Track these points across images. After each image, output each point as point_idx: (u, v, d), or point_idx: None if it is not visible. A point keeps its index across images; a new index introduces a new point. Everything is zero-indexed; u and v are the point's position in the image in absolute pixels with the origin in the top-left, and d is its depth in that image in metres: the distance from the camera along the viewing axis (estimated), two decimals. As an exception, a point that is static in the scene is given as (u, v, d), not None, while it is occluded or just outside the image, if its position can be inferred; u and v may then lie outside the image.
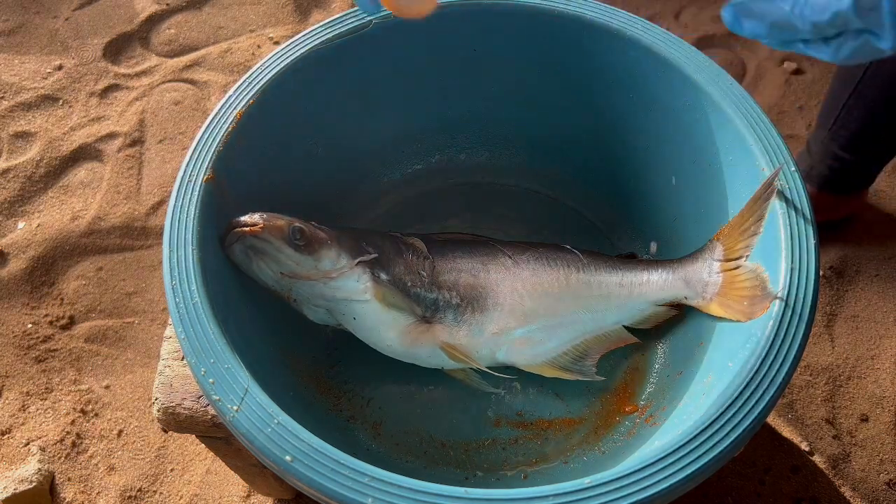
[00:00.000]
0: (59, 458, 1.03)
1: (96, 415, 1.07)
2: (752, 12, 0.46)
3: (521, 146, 0.89)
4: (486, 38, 0.78)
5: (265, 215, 0.65)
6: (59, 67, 1.51)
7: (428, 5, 0.54)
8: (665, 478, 0.47)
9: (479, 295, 0.73)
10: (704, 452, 0.49)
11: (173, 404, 0.69)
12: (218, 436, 0.72)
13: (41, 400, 1.08)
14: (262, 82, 0.70)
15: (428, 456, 0.70)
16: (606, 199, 0.87)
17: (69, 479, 1.01)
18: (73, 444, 1.04)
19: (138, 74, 1.51)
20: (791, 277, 0.57)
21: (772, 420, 1.04)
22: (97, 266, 1.22)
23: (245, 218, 0.65)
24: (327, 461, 0.48)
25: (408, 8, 0.54)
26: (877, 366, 1.09)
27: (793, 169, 0.63)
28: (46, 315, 1.16)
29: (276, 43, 1.57)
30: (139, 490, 1.00)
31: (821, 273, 0.78)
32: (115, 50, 1.56)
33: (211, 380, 0.52)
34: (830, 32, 0.43)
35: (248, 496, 0.99)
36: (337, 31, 0.73)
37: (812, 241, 0.59)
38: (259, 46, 1.57)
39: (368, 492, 0.46)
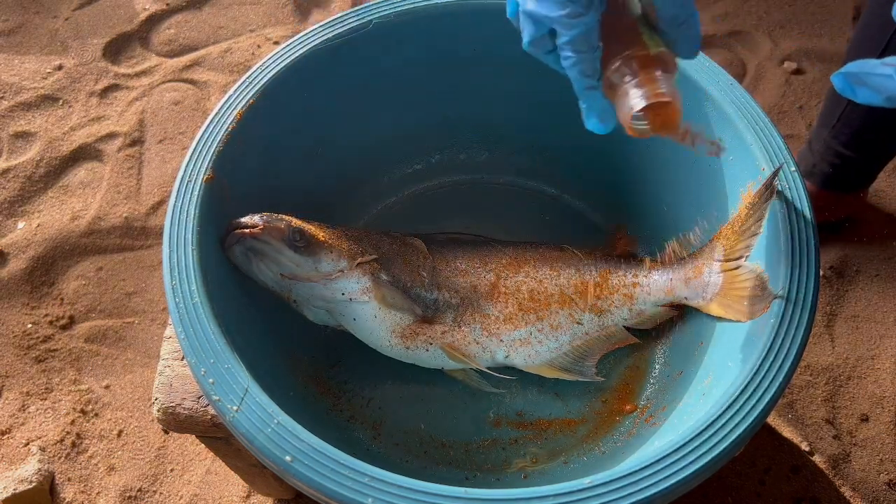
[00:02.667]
0: (59, 458, 1.03)
1: (96, 415, 1.07)
2: (868, 84, 0.45)
3: (522, 146, 0.89)
4: (486, 37, 0.78)
5: (265, 216, 0.65)
6: (59, 67, 1.51)
7: (676, 120, 0.48)
8: (665, 478, 0.47)
9: (479, 295, 0.73)
10: (704, 452, 0.49)
11: (173, 404, 0.69)
12: (218, 436, 0.72)
13: (41, 400, 1.08)
14: (262, 82, 0.70)
15: (428, 456, 0.70)
16: (606, 199, 0.87)
17: (69, 479, 1.01)
18: (73, 444, 1.04)
19: (138, 74, 1.51)
20: (791, 277, 0.57)
21: (772, 420, 1.04)
22: (97, 266, 1.22)
23: (245, 219, 0.65)
24: (327, 461, 0.48)
25: (662, 129, 0.48)
26: (877, 366, 1.09)
27: (793, 169, 0.63)
28: (46, 315, 1.16)
29: (276, 43, 1.57)
30: (139, 490, 1.00)
31: (821, 273, 0.78)
32: (115, 50, 1.56)
33: (211, 380, 0.52)
34: None
35: (248, 496, 0.99)
36: (337, 31, 0.73)
37: (812, 241, 0.59)
38: (259, 46, 1.57)
39: (368, 492, 0.46)
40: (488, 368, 0.71)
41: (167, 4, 1.64)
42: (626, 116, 0.47)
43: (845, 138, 1.08)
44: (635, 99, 0.46)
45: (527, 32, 0.48)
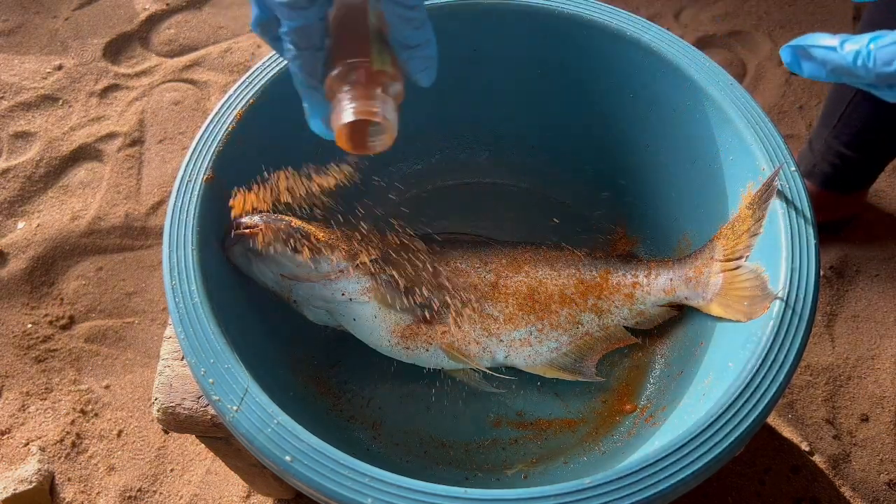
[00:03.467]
0: (59, 458, 1.03)
1: (96, 415, 1.07)
2: (813, 57, 0.46)
3: (521, 146, 0.89)
4: (486, 38, 0.78)
5: (265, 216, 0.65)
6: (59, 67, 1.51)
7: (383, 144, 0.48)
8: (665, 478, 0.47)
9: (478, 295, 0.73)
10: (704, 452, 0.49)
11: (173, 404, 0.69)
12: (218, 436, 0.72)
13: (41, 400, 1.08)
14: (262, 82, 0.70)
15: (428, 456, 0.70)
16: (607, 199, 0.87)
17: (69, 479, 1.01)
18: (73, 444, 1.04)
19: (138, 74, 1.51)
20: (791, 277, 0.57)
21: (772, 420, 1.04)
22: (97, 266, 1.22)
23: (245, 219, 0.65)
24: (327, 461, 0.48)
25: (362, 148, 0.48)
26: (877, 366, 1.09)
27: (793, 169, 0.63)
28: (46, 315, 1.16)
29: (276, 43, 1.57)
30: (139, 490, 1.00)
31: (821, 273, 0.78)
32: (115, 50, 1.56)
33: (211, 380, 0.52)
34: None
35: (248, 496, 0.99)
36: (337, 31, 0.73)
37: (812, 242, 0.58)
38: (259, 46, 1.57)
39: (368, 492, 0.46)
40: (488, 368, 0.71)
41: (167, 4, 1.64)
42: (335, 125, 0.46)
43: (846, 138, 1.08)
44: (345, 111, 0.45)
45: (253, 11, 0.47)
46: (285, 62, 0.71)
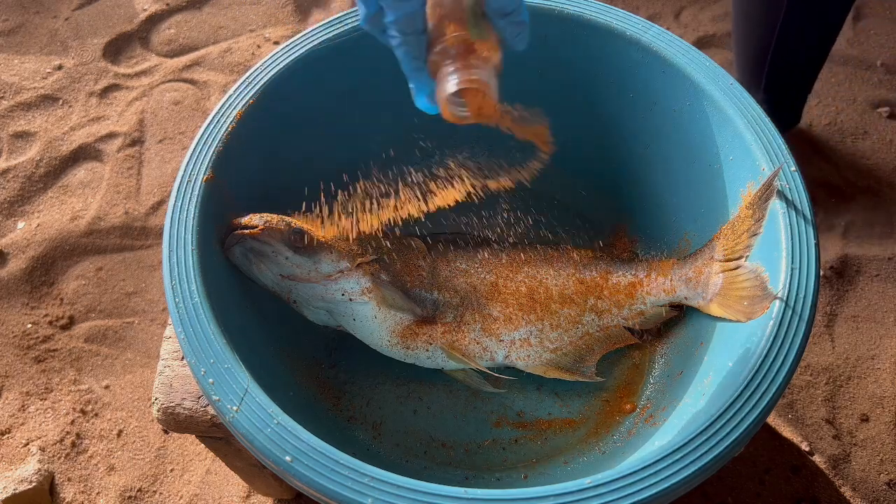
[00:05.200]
0: (59, 458, 1.03)
1: (96, 415, 1.07)
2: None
3: (522, 146, 0.89)
4: (486, 38, 0.78)
5: (265, 217, 0.65)
6: (59, 67, 1.51)
7: (487, 113, 0.52)
8: (665, 478, 0.47)
9: (479, 295, 0.73)
10: (704, 452, 0.49)
11: (173, 404, 0.69)
12: (218, 436, 0.72)
13: (41, 400, 1.08)
14: (262, 82, 0.70)
15: (428, 456, 0.70)
16: (606, 199, 0.87)
17: (69, 479, 1.01)
18: (73, 444, 1.04)
19: (138, 74, 1.51)
20: (791, 277, 0.57)
21: (772, 420, 1.04)
22: (97, 266, 1.22)
23: (245, 219, 0.65)
24: (327, 461, 0.48)
25: (463, 118, 0.52)
26: (877, 366, 1.09)
27: (793, 169, 0.63)
28: (46, 315, 1.16)
29: (276, 43, 1.57)
30: (139, 490, 1.00)
31: (821, 273, 0.78)
32: (115, 50, 1.56)
33: (211, 380, 0.52)
34: None
35: (248, 496, 0.99)
36: (337, 31, 0.73)
37: (812, 241, 0.59)
38: (259, 46, 1.57)
39: (368, 492, 0.46)
40: (488, 369, 0.71)
41: (167, 4, 1.64)
42: (441, 98, 0.50)
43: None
44: (448, 82, 0.49)
45: (361, 9, 0.51)
46: (286, 62, 0.71)
